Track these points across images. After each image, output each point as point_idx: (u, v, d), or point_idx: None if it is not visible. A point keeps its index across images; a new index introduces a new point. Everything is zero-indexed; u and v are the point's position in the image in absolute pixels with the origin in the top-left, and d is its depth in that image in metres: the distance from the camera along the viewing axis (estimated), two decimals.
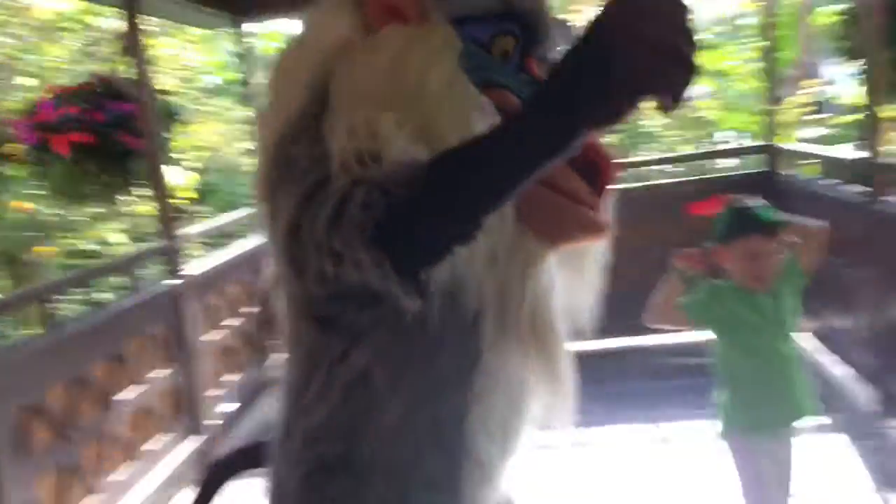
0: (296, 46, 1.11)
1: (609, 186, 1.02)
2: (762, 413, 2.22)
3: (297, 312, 1.07)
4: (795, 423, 2.26)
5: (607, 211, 1.02)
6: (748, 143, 9.79)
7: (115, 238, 7.90)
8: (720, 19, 12.04)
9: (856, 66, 3.72)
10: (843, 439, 3.23)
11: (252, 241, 4.60)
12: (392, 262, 0.86)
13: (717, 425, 2.31)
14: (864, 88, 3.44)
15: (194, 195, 7.99)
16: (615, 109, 0.77)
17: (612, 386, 4.23)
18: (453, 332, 1.00)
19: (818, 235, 2.31)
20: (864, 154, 3.40)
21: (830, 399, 3.32)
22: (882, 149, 3.30)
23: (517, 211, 0.98)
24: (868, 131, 3.38)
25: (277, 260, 1.03)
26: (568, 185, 0.98)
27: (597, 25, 0.76)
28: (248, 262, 4.50)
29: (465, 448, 1.03)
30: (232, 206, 10.34)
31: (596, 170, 1.00)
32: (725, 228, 2.19)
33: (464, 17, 1.02)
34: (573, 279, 1.10)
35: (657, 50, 0.73)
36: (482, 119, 0.96)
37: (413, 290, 0.88)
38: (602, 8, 0.77)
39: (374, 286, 0.88)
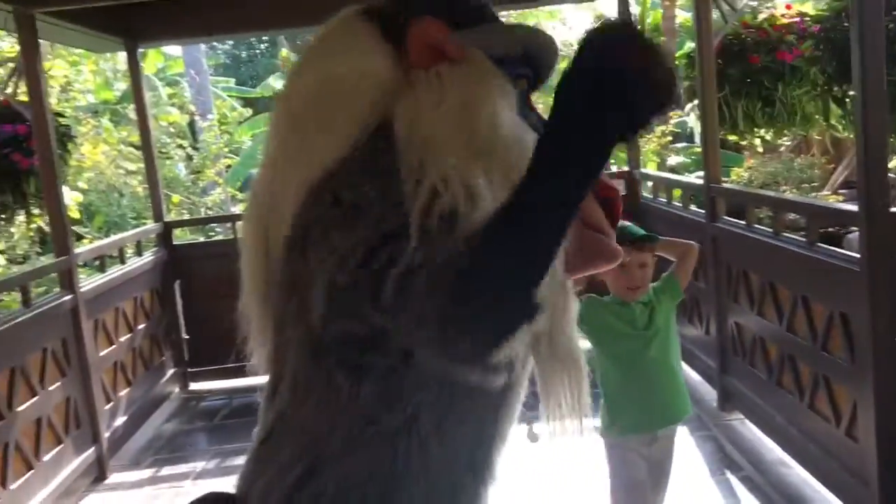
0: (328, 82, 1.06)
1: (619, 218, 1.11)
2: (629, 417, 2.34)
3: (316, 353, 1.02)
4: (665, 428, 2.38)
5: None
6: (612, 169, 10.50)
7: None
8: None
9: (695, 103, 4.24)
10: (683, 431, 3.67)
11: (143, 260, 4.72)
12: (468, 343, 0.85)
13: (597, 426, 2.44)
14: (700, 124, 3.96)
15: (76, 215, 7.91)
16: (638, 126, 0.84)
17: None
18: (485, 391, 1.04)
19: (689, 252, 2.47)
20: (701, 182, 3.90)
21: None
22: (714, 177, 3.80)
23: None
24: (705, 161, 3.89)
25: (299, 297, 1.01)
26: (595, 218, 1.04)
27: (596, 58, 0.82)
28: (140, 280, 4.61)
29: (490, 471, 1.10)
30: (114, 227, 10.23)
31: (610, 203, 1.08)
32: None
33: (496, 57, 1.05)
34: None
35: (655, 76, 0.83)
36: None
37: (489, 367, 0.91)
38: (599, 43, 0.83)
39: (447, 364, 0.91)
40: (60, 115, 4.24)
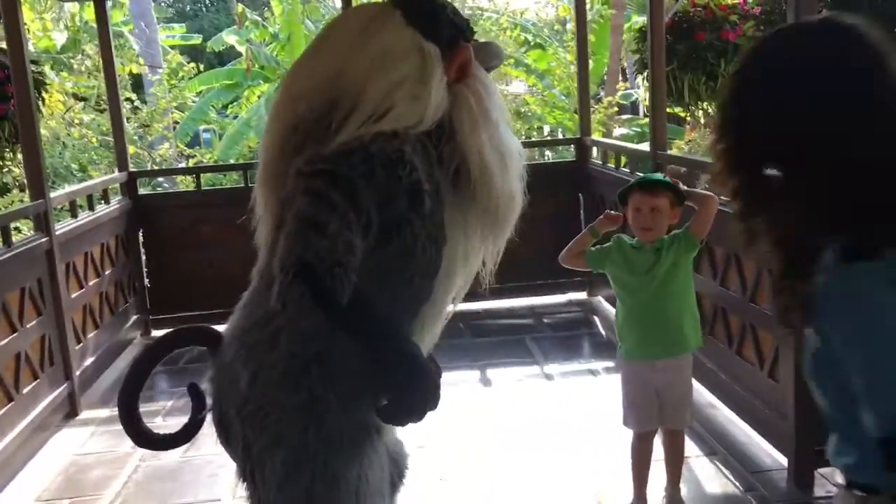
0: (415, 75, 1.51)
1: None
2: (629, 344, 2.65)
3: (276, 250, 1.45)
4: (663, 359, 2.61)
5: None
6: (567, 136, 10.83)
7: None
8: (546, 21, 13.03)
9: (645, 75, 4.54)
10: None
11: (110, 208, 4.82)
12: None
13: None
14: (649, 94, 4.25)
15: None
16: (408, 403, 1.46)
17: (448, 339, 4.89)
18: (421, 277, 1.53)
19: (707, 202, 2.58)
20: (647, 149, 4.20)
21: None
22: (661, 144, 4.11)
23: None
24: (652, 129, 4.19)
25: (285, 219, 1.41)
26: None
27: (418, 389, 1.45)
28: (107, 227, 4.73)
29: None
30: (59, 178, 10.12)
31: None
32: (622, 191, 2.69)
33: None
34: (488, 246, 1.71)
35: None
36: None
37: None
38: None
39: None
40: (35, 62, 4.29)
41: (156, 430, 1.78)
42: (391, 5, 1.57)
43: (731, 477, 3.06)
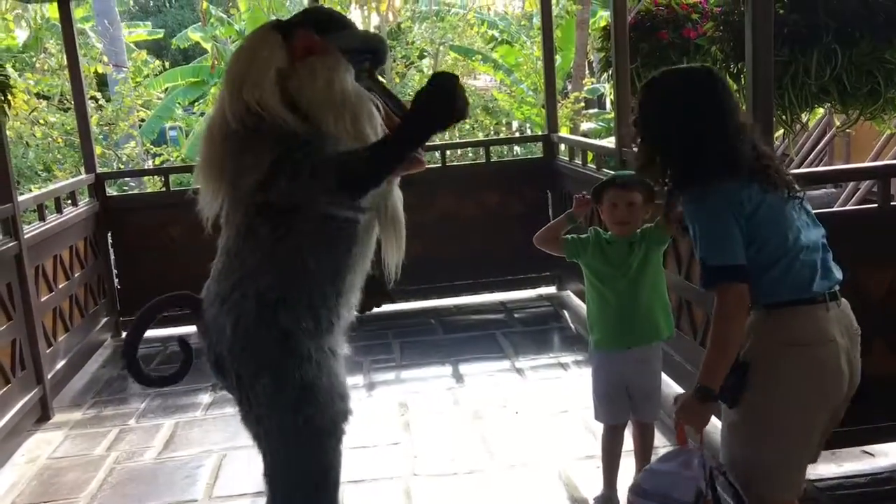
0: (246, 64, 1.91)
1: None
2: (599, 335, 2.73)
3: (250, 216, 1.89)
4: (632, 349, 2.68)
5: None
6: (535, 132, 10.91)
7: None
8: (513, 17, 13.11)
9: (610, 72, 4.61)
10: None
11: (78, 210, 4.80)
12: (351, 194, 1.87)
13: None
14: (613, 92, 4.32)
15: None
16: (446, 124, 1.83)
17: (420, 336, 4.96)
18: (354, 226, 1.96)
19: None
20: (611, 145, 4.28)
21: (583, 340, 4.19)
22: (626, 141, 4.18)
23: None
24: (617, 126, 4.27)
25: (238, 185, 1.87)
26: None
27: (437, 89, 1.76)
28: (75, 229, 4.70)
29: (348, 286, 2.02)
30: (24, 179, 9.98)
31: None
32: (597, 188, 2.77)
33: (345, 50, 1.96)
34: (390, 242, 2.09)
35: (460, 104, 1.76)
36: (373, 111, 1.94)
37: (357, 208, 1.91)
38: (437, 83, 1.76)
39: (338, 206, 1.88)
40: (0, 65, 4.25)
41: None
42: (272, 25, 2.01)
43: None
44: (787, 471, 2.02)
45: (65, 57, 4.88)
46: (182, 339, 2.19)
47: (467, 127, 11.33)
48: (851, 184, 6.46)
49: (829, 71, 3.66)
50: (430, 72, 11.72)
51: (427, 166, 1.98)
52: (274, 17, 2.16)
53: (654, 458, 2.85)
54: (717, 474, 1.97)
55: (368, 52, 2.02)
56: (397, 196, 2.08)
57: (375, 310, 2.24)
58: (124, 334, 2.07)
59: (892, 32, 3.73)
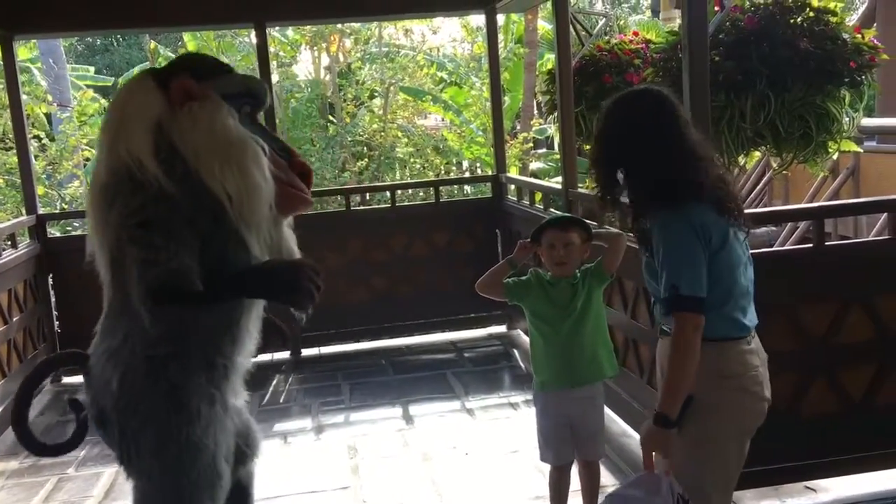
0: (121, 112, 1.91)
1: (310, 181, 2.05)
2: (544, 376, 2.74)
3: (114, 288, 1.92)
4: (577, 389, 2.70)
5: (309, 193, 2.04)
6: (484, 172, 11.03)
7: None
8: (462, 58, 13.29)
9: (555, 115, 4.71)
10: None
11: (17, 253, 4.68)
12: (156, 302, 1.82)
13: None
14: (559, 135, 4.41)
15: None
16: (279, 298, 1.91)
17: (370, 377, 4.92)
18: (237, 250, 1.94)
19: (616, 240, 2.76)
20: (558, 186, 4.35)
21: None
22: (572, 182, 4.26)
23: (275, 202, 1.92)
24: (563, 168, 4.35)
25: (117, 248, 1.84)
26: (296, 183, 1.99)
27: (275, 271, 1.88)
28: (14, 272, 4.58)
29: (243, 333, 2.02)
30: None
31: (305, 175, 2.04)
32: (536, 230, 2.80)
33: (225, 95, 1.94)
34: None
35: (296, 288, 1.84)
36: (259, 153, 1.91)
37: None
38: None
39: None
40: None
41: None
42: (147, 72, 2.01)
43: None
44: (723, 494, 2.12)
45: (7, 96, 4.80)
46: (74, 401, 2.12)
47: (417, 167, 11.42)
48: (789, 224, 6.67)
49: (763, 116, 3.80)
50: (381, 112, 11.82)
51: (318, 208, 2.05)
52: (212, 57, 2.13)
53: (600, 496, 2.87)
54: (682, 502, 1.98)
55: (248, 95, 2.00)
56: (289, 236, 2.07)
57: (274, 355, 2.29)
58: (10, 402, 2.01)
59: (823, 79, 3.90)
